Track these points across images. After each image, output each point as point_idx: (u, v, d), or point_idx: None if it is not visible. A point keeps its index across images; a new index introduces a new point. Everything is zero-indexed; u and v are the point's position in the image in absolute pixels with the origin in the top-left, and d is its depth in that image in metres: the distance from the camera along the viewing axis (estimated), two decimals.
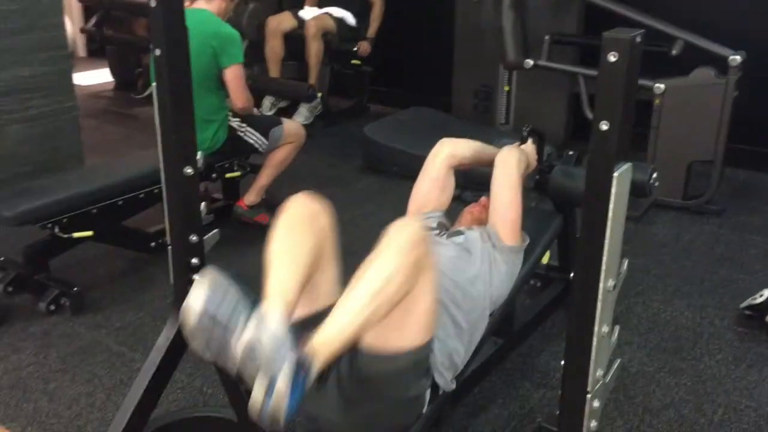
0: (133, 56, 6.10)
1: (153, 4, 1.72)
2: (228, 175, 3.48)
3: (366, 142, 4.39)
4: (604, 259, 1.31)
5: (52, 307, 2.78)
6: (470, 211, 2.25)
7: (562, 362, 1.43)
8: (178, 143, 1.87)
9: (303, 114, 5.03)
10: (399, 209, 2.29)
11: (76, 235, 2.83)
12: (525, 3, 4.08)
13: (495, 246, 2.03)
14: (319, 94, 4.90)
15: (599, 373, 1.42)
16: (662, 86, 3.67)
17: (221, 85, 3.22)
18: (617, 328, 1.49)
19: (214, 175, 3.41)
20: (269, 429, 1.36)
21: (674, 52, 3.73)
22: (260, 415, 1.33)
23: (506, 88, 4.70)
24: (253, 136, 3.36)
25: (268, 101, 5.15)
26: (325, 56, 5.08)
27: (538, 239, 2.32)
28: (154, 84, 1.87)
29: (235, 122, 3.34)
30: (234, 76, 3.20)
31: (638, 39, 1.22)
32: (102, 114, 5.74)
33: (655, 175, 2.63)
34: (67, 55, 4.29)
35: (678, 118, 3.71)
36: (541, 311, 2.69)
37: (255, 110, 3.58)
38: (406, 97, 5.24)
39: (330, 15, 5.13)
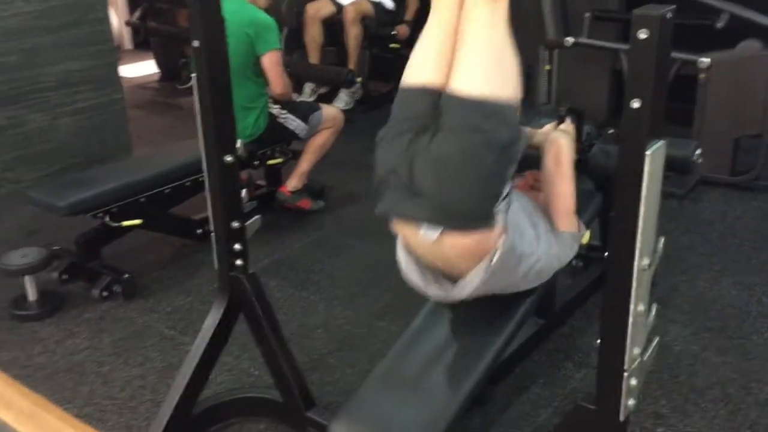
0: (177, 47, 6.20)
1: None
2: (270, 162, 3.54)
3: None
4: (638, 237, 1.31)
5: (105, 294, 2.88)
6: (519, 186, 2.23)
7: (598, 341, 1.44)
8: (218, 132, 1.92)
9: (343, 99, 5.06)
10: None
11: (126, 223, 2.93)
12: None
13: (551, 230, 2.01)
14: (359, 79, 4.92)
15: (636, 351, 1.42)
16: (707, 60, 3.59)
17: (259, 73, 3.26)
18: (655, 306, 1.48)
19: (256, 162, 3.47)
20: None
21: (719, 25, 3.64)
22: None
23: (547, 67, 4.64)
24: (293, 122, 3.41)
25: (308, 87, 5.18)
26: (364, 41, 5.10)
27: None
28: (193, 74, 1.92)
29: (275, 109, 3.39)
30: (271, 62, 3.25)
31: (669, 15, 1.20)
32: (148, 105, 5.87)
33: (698, 152, 2.59)
34: (113, 49, 4.41)
35: (724, 92, 3.62)
36: (583, 291, 2.69)
37: (294, 95, 3.61)
38: None
39: None
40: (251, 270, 2.08)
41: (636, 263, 1.33)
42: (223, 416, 2.20)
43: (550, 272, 1.98)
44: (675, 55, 3.82)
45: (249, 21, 3.17)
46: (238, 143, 2.04)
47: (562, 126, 2.27)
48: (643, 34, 1.21)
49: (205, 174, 1.99)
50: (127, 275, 2.90)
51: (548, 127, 2.27)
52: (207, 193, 2.01)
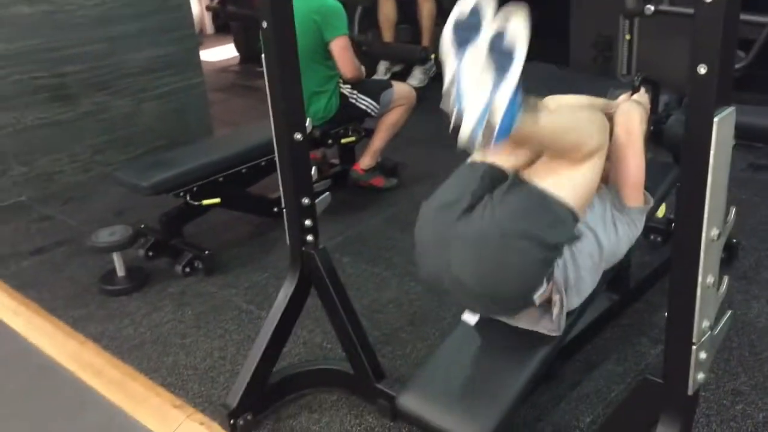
0: (256, 31, 6.29)
1: None
2: (343, 141, 3.58)
3: None
4: (706, 207, 1.27)
5: (187, 270, 3.00)
6: None
7: (666, 313, 1.41)
8: (287, 111, 1.97)
9: (417, 77, 5.05)
10: None
11: (205, 202, 3.04)
12: None
13: (615, 206, 1.97)
14: (433, 56, 4.89)
15: (705, 324, 1.39)
16: None
17: (329, 56, 3.30)
18: (726, 278, 1.44)
19: (330, 142, 3.52)
20: (482, 140, 1.45)
21: None
22: (472, 131, 1.43)
23: (627, 37, 4.50)
24: (364, 102, 3.43)
25: (383, 66, 5.20)
26: (438, 17, 5.06)
27: (652, 192, 2.24)
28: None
29: (346, 89, 3.42)
30: (340, 48, 3.28)
31: None
32: (229, 88, 6.02)
33: None
34: (194, 34, 4.55)
35: None
36: (659, 267, 2.62)
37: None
38: None
39: None
40: (324, 246, 2.13)
41: (704, 234, 1.30)
42: (298, 386, 2.27)
43: (621, 254, 1.94)
44: (764, 19, 3.64)
45: (316, 8, 3.20)
46: (308, 122, 2.08)
47: (636, 96, 2.21)
48: None
49: (276, 152, 2.05)
50: (207, 252, 3.01)
51: (622, 97, 2.21)
52: (278, 171, 2.06)
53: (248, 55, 6.53)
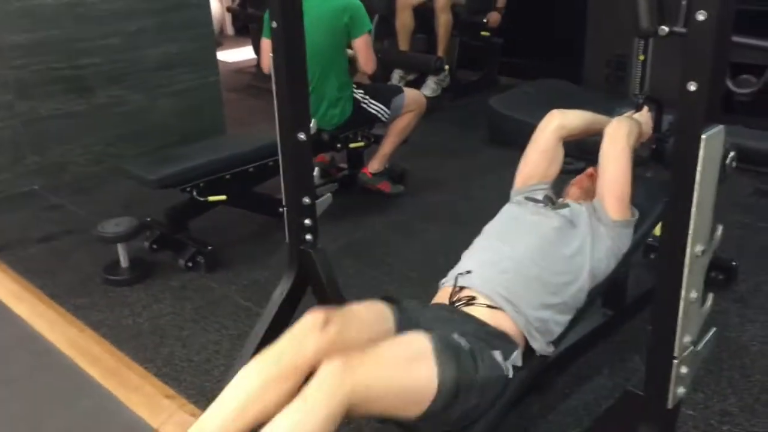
0: None
1: None
2: (352, 145, 3.62)
3: (491, 114, 4.40)
4: (692, 223, 1.29)
5: (190, 264, 3.04)
6: (576, 183, 2.23)
7: (649, 327, 1.43)
8: (292, 111, 2.01)
9: (430, 86, 5.09)
10: None
11: (212, 198, 3.08)
12: None
13: (601, 220, 2.00)
14: (447, 67, 4.93)
15: (687, 339, 1.40)
16: None
17: (344, 61, 3.35)
18: (711, 295, 1.45)
19: (339, 145, 3.55)
20: None
21: None
22: None
23: (641, 57, 4.50)
24: (375, 106, 3.47)
25: (397, 74, 5.24)
26: (454, 28, 5.10)
27: (649, 211, 2.26)
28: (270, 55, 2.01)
29: (358, 94, 3.46)
30: (365, 44, 3.36)
31: None
32: (245, 88, 6.08)
33: None
34: (211, 32, 4.60)
35: None
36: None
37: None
38: (537, 69, 5.16)
39: None
40: (322, 246, 2.16)
41: (689, 249, 1.31)
42: None
43: (608, 269, 1.97)
44: None
45: (343, 8, 3.26)
46: (312, 123, 2.11)
47: (636, 114, 2.23)
48: (701, 16, 1.19)
49: (279, 150, 2.08)
50: (210, 248, 3.05)
51: (624, 115, 2.23)
52: (281, 169, 2.10)
53: None
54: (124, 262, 2.99)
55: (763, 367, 2.30)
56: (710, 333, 1.49)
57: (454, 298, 1.84)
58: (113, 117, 4.20)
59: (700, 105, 1.23)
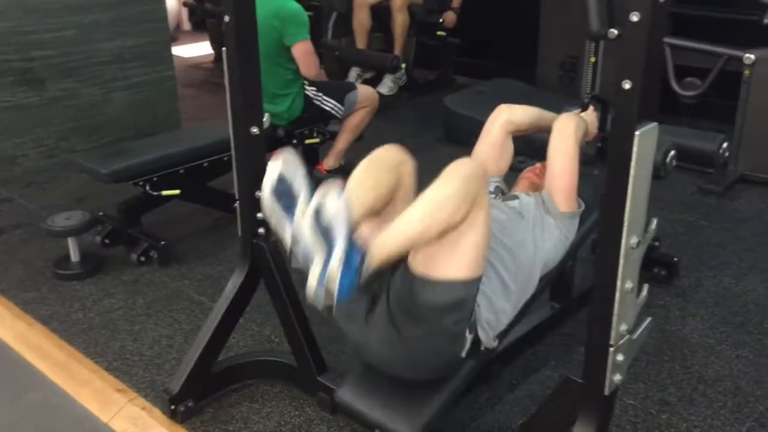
0: None
1: None
2: (307, 142, 3.63)
3: (446, 113, 4.45)
4: (626, 216, 1.35)
5: (142, 259, 3.02)
6: (526, 176, 2.29)
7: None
8: (244, 105, 2.02)
9: (387, 85, 5.13)
10: None
11: (165, 192, 3.06)
12: None
13: (549, 211, 2.06)
14: (404, 66, 4.98)
15: (623, 327, 1.46)
16: (752, 56, 3.54)
17: (291, 59, 3.33)
18: (646, 286, 1.51)
19: (294, 142, 3.56)
20: (324, 307, 1.54)
21: (766, 21, 3.58)
22: (315, 292, 1.49)
23: (592, 59, 4.60)
24: (329, 103, 3.49)
25: (354, 72, 5.27)
26: (410, 28, 5.15)
27: (596, 207, 2.33)
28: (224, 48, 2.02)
29: (311, 91, 3.47)
30: (302, 52, 3.30)
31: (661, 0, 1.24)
32: (201, 84, 6.04)
33: (725, 145, 2.58)
34: (166, 27, 4.56)
35: None
36: None
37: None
38: (492, 69, 5.23)
39: None
40: (275, 239, 2.18)
41: (624, 241, 1.37)
42: (241, 377, 2.31)
43: (556, 258, 2.03)
44: (719, 50, 3.78)
45: (275, 13, 3.19)
46: (266, 117, 2.13)
47: (583, 113, 2.30)
48: (635, 17, 1.24)
49: (232, 144, 2.09)
50: (163, 243, 3.04)
51: (566, 114, 2.30)
52: (233, 163, 2.11)
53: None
54: (74, 257, 2.96)
55: (701, 358, 2.39)
56: (645, 322, 1.56)
57: None
58: (66, 110, 4.14)
59: (634, 103, 1.29)
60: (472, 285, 1.65)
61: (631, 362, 1.53)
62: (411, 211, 1.60)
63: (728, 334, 2.51)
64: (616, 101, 1.31)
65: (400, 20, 5.06)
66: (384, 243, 1.59)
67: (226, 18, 1.95)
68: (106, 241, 3.13)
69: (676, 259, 2.84)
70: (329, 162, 3.67)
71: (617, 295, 1.41)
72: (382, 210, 1.77)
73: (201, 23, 7.34)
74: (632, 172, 1.32)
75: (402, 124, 4.76)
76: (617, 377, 1.50)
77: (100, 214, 3.18)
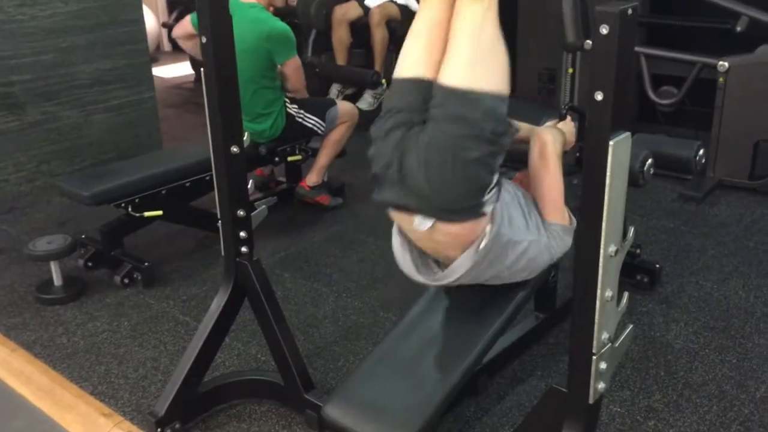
0: None
1: None
2: (290, 159, 3.63)
3: None
4: (604, 225, 1.36)
5: (126, 281, 3.01)
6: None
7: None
8: (224, 124, 2.03)
9: (367, 100, 5.14)
10: None
11: (147, 214, 3.05)
12: None
13: (542, 221, 2.06)
14: (384, 81, 5.00)
15: (605, 336, 1.47)
16: (726, 64, 3.60)
17: (275, 78, 3.39)
18: (626, 294, 1.53)
19: (277, 159, 3.57)
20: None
21: (739, 29, 3.64)
22: None
23: (570, 70, 4.67)
24: (311, 120, 3.51)
25: (335, 89, 5.28)
26: (390, 43, 5.17)
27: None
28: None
29: (292, 109, 3.49)
30: (292, 69, 3.40)
31: (630, 11, 1.26)
32: (182, 104, 6.04)
33: (701, 152, 2.62)
34: (146, 48, 4.56)
35: (743, 96, 3.62)
36: None
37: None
38: None
39: (394, 2, 5.21)
40: (258, 258, 2.18)
41: (602, 250, 1.39)
42: (228, 397, 2.29)
43: (541, 264, 2.02)
44: (694, 58, 3.83)
45: (267, 35, 3.26)
46: (245, 135, 2.14)
47: (561, 124, 2.32)
48: (604, 30, 1.27)
49: (213, 164, 2.10)
50: (146, 264, 3.02)
51: (548, 124, 2.32)
52: (215, 182, 2.11)
53: None
54: (57, 281, 2.94)
55: (685, 363, 2.41)
56: (627, 330, 1.57)
57: None
58: (46, 134, 4.13)
59: (607, 113, 1.31)
60: (504, 99, 1.72)
61: (617, 369, 1.55)
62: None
63: (711, 339, 2.53)
64: (589, 112, 1.33)
65: (379, 36, 5.08)
66: None
67: (203, 39, 1.96)
68: (89, 264, 3.12)
69: (658, 265, 2.87)
70: (312, 178, 3.68)
71: (597, 303, 1.43)
72: None
73: None
74: (608, 181, 1.34)
75: None
76: (601, 385, 1.51)
77: (83, 237, 3.17)
